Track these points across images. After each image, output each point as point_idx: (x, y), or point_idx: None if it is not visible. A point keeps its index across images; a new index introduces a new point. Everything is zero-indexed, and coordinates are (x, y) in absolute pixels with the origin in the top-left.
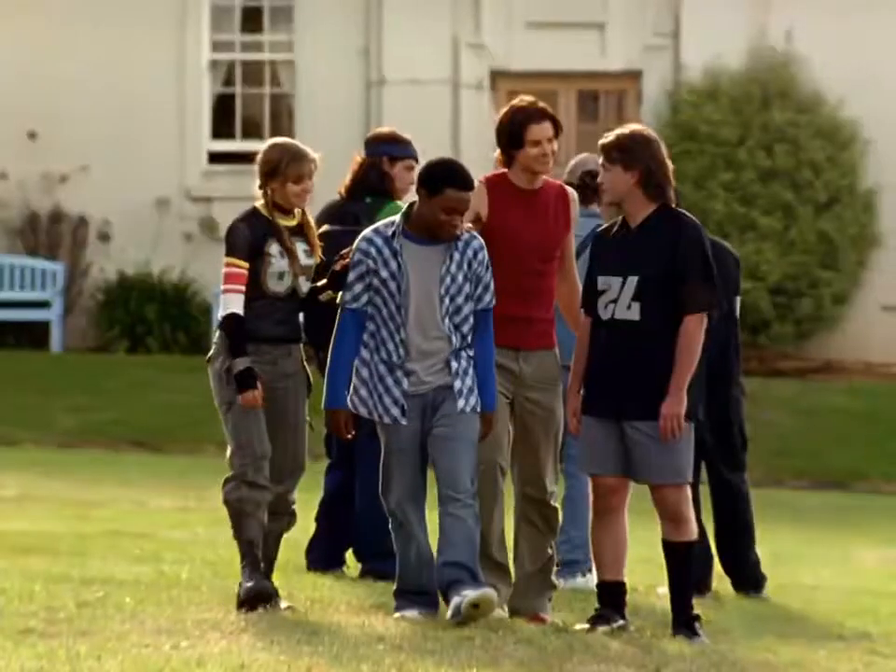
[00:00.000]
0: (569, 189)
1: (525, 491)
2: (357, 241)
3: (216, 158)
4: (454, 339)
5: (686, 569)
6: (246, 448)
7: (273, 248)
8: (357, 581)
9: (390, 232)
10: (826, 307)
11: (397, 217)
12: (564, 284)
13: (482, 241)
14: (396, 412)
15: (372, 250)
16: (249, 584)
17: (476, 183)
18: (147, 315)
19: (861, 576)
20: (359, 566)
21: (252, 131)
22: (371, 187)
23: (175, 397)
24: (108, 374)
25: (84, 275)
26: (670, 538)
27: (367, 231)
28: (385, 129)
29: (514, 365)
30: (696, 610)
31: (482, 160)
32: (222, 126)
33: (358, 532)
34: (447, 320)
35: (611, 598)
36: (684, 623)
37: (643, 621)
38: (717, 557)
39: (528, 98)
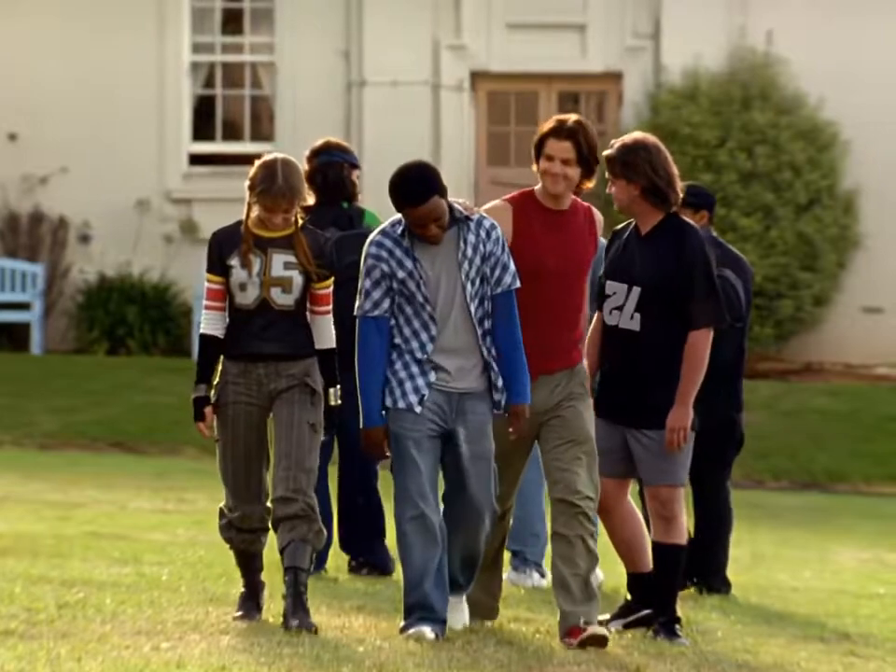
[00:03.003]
0: (596, 212)
1: (557, 496)
2: (365, 246)
3: (196, 159)
4: (478, 329)
5: (672, 572)
6: (228, 492)
7: (235, 259)
8: (337, 582)
9: (399, 231)
10: (806, 309)
11: (400, 216)
12: None
13: (493, 220)
14: (413, 398)
15: (384, 253)
16: (238, 613)
17: (501, 203)
18: (128, 317)
19: (840, 577)
20: (349, 560)
21: (232, 132)
22: (346, 192)
23: (155, 398)
24: (88, 376)
25: (64, 277)
26: (659, 539)
27: (373, 235)
28: (331, 139)
29: (533, 394)
30: (678, 613)
31: (462, 160)
32: (203, 128)
33: (353, 526)
34: (472, 306)
35: (633, 590)
36: (665, 624)
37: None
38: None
39: (575, 116)
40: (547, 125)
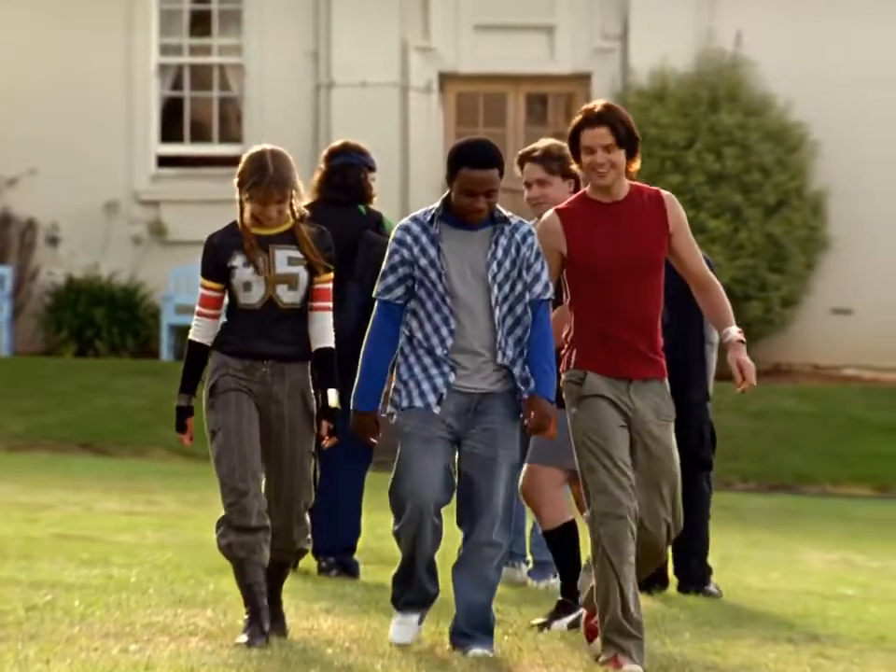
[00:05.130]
0: (665, 193)
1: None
2: (394, 229)
3: (164, 161)
4: (500, 333)
5: (556, 554)
6: (226, 483)
7: (238, 259)
8: (304, 584)
9: (429, 218)
10: (775, 310)
11: (437, 203)
12: (703, 292)
13: (531, 226)
14: (432, 398)
15: (408, 238)
16: (243, 639)
17: (548, 214)
18: (96, 319)
19: (808, 578)
20: (318, 561)
21: (201, 134)
22: (364, 195)
23: (123, 400)
24: (57, 377)
25: (32, 279)
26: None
27: (404, 220)
28: (349, 140)
29: (626, 398)
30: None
31: (430, 162)
32: (171, 129)
33: (331, 526)
34: (498, 311)
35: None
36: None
37: None
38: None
39: (603, 101)
40: (576, 119)
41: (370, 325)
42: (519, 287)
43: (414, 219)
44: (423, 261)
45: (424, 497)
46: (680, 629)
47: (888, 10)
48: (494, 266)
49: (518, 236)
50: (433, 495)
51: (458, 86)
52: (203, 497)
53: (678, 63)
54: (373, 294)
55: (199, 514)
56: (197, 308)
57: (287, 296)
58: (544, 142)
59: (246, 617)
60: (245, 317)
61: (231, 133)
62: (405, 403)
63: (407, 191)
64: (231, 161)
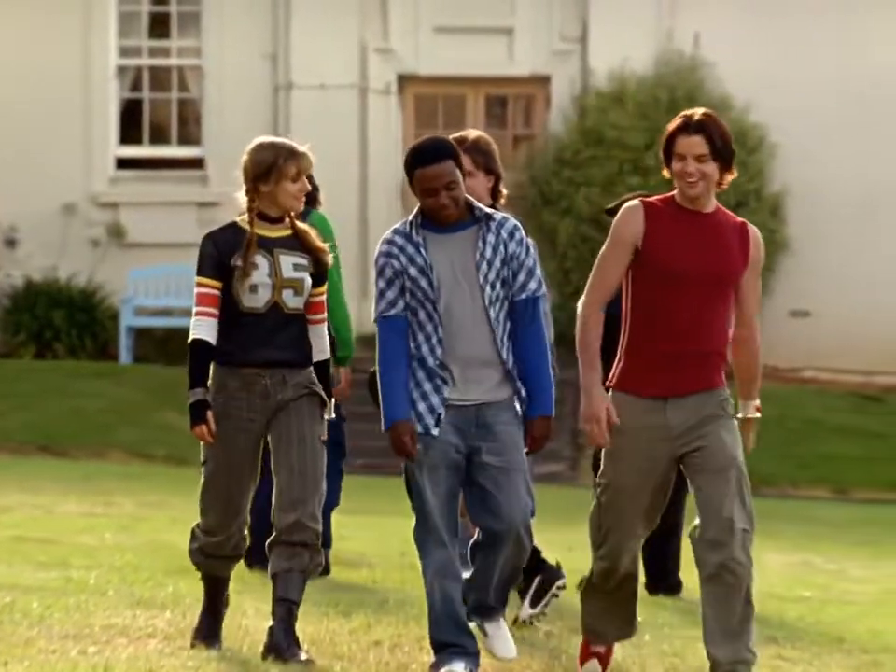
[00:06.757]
0: (751, 226)
1: (707, 537)
2: (377, 246)
3: (123, 163)
4: (497, 334)
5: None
6: (207, 516)
7: (241, 260)
8: (264, 586)
9: (408, 228)
10: None
11: (413, 212)
12: (740, 348)
13: (516, 221)
14: (429, 420)
15: (395, 249)
16: (194, 641)
17: (633, 203)
18: (55, 321)
19: (767, 580)
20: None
21: (160, 136)
22: (315, 200)
23: (81, 402)
24: (15, 379)
25: None
26: None
27: (386, 234)
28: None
29: (660, 418)
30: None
31: (388, 164)
32: (130, 131)
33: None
34: (492, 311)
35: None
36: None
37: (552, 625)
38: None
39: (702, 109)
40: (673, 123)
41: (378, 344)
42: (507, 286)
43: (395, 231)
44: (412, 271)
45: (444, 528)
46: (640, 630)
47: (846, 13)
48: (484, 266)
49: (504, 233)
50: (449, 524)
51: (417, 88)
52: (161, 498)
53: (636, 65)
54: (375, 315)
55: (157, 516)
56: (198, 308)
57: (293, 301)
58: (473, 133)
59: (202, 619)
60: (247, 323)
61: (189, 135)
62: None
63: (366, 192)
64: (190, 163)
